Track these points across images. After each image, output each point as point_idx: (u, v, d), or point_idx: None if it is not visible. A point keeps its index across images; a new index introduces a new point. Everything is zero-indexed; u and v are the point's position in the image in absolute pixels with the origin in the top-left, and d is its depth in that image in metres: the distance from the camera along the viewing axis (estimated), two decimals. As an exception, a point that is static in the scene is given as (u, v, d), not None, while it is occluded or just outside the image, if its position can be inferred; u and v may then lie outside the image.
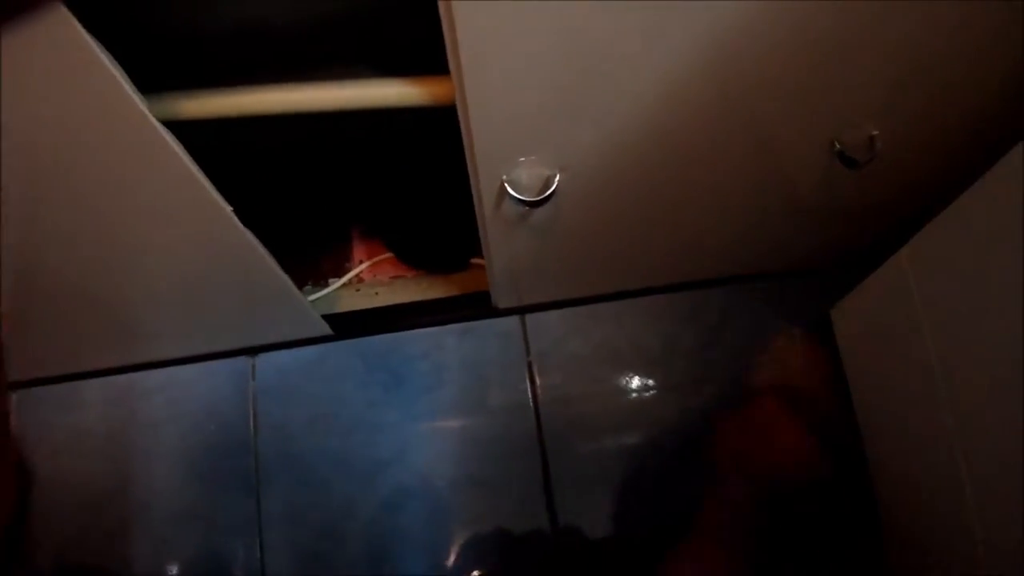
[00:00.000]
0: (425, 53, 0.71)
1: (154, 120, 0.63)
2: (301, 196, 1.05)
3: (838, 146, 0.81)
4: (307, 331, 1.17)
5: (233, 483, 1.15)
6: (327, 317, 1.18)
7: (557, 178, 0.76)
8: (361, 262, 1.24)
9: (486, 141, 0.71)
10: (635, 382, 1.18)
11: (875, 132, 0.80)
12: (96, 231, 0.79)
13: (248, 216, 0.83)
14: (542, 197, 0.76)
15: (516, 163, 0.75)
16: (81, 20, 0.52)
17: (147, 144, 0.65)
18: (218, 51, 0.74)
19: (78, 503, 1.18)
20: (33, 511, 1.18)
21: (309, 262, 1.26)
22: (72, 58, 0.55)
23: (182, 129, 0.69)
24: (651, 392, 1.17)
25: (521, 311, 1.20)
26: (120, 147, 0.66)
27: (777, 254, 1.13)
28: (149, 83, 0.65)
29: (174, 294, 0.97)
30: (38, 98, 0.59)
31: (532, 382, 1.17)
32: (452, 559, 1.11)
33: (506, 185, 0.76)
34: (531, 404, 1.16)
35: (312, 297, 1.20)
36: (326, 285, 1.22)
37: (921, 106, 0.79)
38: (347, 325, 1.19)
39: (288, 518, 1.13)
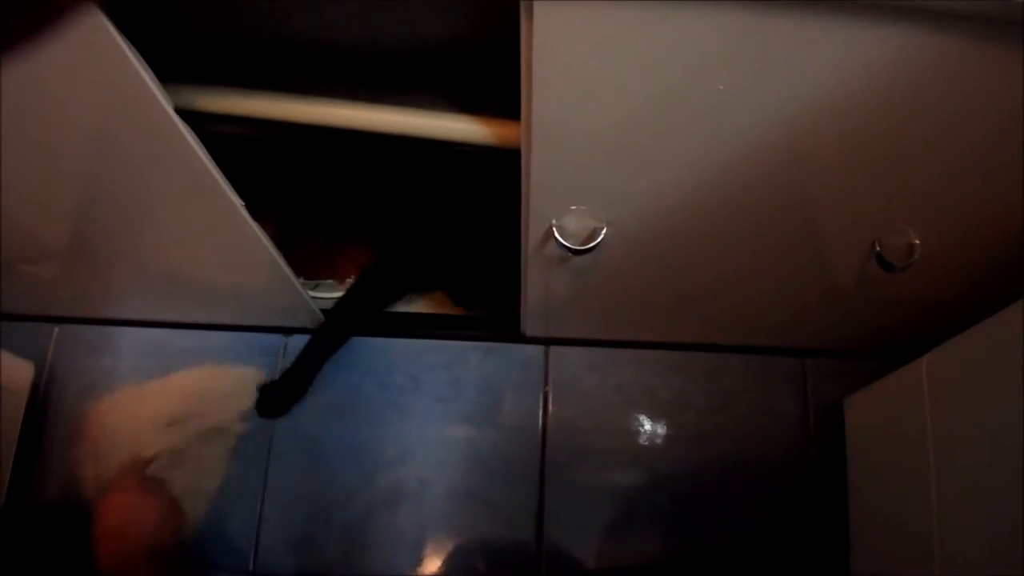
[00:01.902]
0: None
1: (176, 117, 0.69)
2: (357, 197, 1.10)
3: (878, 248, 0.83)
4: (310, 322, 1.22)
5: (245, 453, 1.20)
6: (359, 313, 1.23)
7: (604, 231, 0.79)
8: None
9: (543, 186, 0.75)
10: (642, 427, 1.21)
11: (916, 241, 0.82)
12: (123, 197, 0.85)
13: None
14: (586, 247, 0.80)
15: (567, 210, 0.79)
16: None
17: (162, 131, 0.71)
18: (303, 59, 0.80)
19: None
20: (50, 443, 1.24)
21: (352, 258, 1.31)
22: (102, 54, 0.60)
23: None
24: (656, 440, 1.20)
25: (546, 342, 1.23)
26: (137, 131, 0.71)
27: (802, 332, 1.15)
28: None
29: (195, 268, 1.03)
30: (69, 89, 0.65)
31: (545, 410, 1.21)
32: (434, 564, 1.15)
33: (554, 230, 0.79)
34: (540, 431, 1.20)
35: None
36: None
37: (965, 223, 0.82)
38: (375, 324, 1.24)
39: (290, 497, 1.18)
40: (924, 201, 0.79)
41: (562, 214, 0.79)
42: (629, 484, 1.18)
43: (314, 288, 1.24)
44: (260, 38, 0.81)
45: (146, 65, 0.64)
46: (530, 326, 1.16)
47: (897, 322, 1.07)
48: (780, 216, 0.82)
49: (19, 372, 1.22)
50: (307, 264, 1.13)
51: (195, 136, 0.73)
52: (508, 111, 0.78)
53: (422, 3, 0.68)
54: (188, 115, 0.70)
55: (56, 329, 1.30)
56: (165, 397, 1.22)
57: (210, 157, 0.76)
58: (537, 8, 0.54)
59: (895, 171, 0.74)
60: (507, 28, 0.60)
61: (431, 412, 1.21)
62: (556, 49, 0.58)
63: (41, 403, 1.25)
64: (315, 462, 1.19)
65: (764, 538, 1.16)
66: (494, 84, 0.80)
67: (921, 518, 0.86)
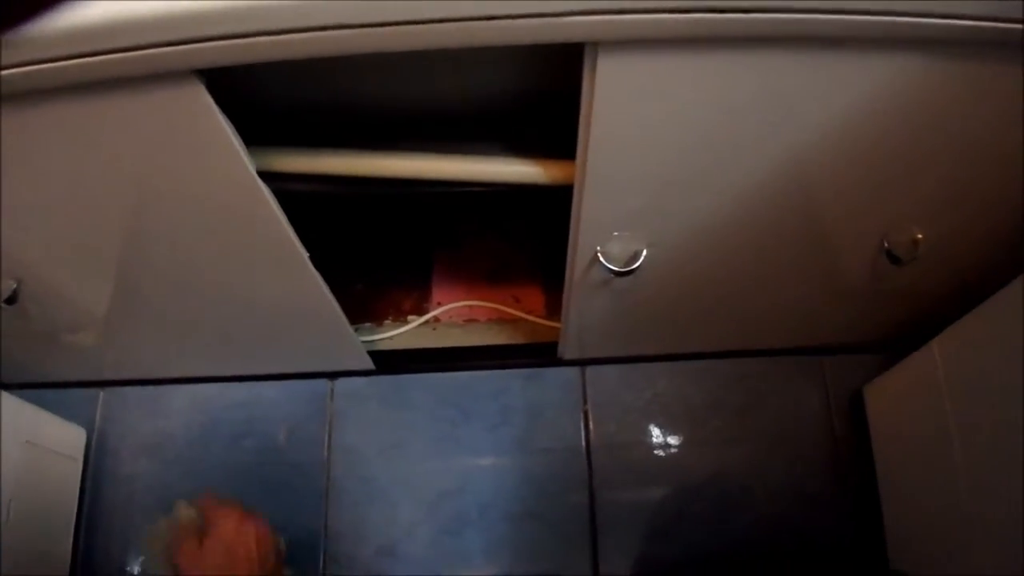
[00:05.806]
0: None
1: (259, 181, 0.76)
2: (390, 240, 1.17)
3: (887, 244, 0.92)
4: (358, 365, 1.28)
5: (304, 498, 1.25)
6: (403, 352, 1.30)
7: (644, 253, 0.88)
8: (439, 304, 1.36)
9: (591, 218, 0.83)
10: (679, 437, 1.27)
11: (920, 236, 0.90)
12: (186, 259, 0.91)
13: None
14: (629, 268, 0.88)
15: (611, 236, 0.87)
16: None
17: (246, 194, 0.77)
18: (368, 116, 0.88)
19: (152, 506, 1.27)
20: (106, 510, 1.27)
21: (390, 300, 1.38)
22: (197, 122, 0.66)
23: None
24: (692, 447, 1.27)
25: (582, 363, 1.30)
26: (222, 195, 0.78)
27: (821, 331, 1.23)
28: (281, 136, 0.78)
29: (252, 320, 1.09)
30: (162, 150, 0.71)
31: (587, 428, 1.27)
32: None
33: (599, 255, 0.88)
34: (584, 449, 1.26)
35: (392, 333, 1.32)
36: (406, 322, 1.34)
37: (963, 216, 0.90)
38: (420, 361, 1.30)
39: (352, 534, 1.23)
40: (926, 201, 0.86)
41: (607, 240, 0.87)
42: (671, 491, 1.24)
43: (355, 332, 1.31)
44: (313, 101, 0.89)
45: (236, 133, 0.71)
46: (568, 349, 1.24)
47: (906, 313, 1.15)
48: (800, 228, 0.90)
49: (72, 438, 1.25)
50: (348, 308, 1.20)
51: (274, 197, 0.81)
52: (540, 151, 0.87)
53: (483, 68, 0.76)
54: (263, 175, 0.77)
55: (101, 393, 1.33)
56: None
57: (285, 215, 0.83)
58: (600, 64, 0.63)
59: (900, 179, 0.81)
60: (552, 79, 0.68)
61: (483, 441, 1.27)
62: (614, 98, 0.66)
63: (95, 468, 1.29)
64: (375, 501, 1.24)
65: (802, 532, 1.22)
66: (529, 127, 0.89)
67: (951, 495, 0.92)
